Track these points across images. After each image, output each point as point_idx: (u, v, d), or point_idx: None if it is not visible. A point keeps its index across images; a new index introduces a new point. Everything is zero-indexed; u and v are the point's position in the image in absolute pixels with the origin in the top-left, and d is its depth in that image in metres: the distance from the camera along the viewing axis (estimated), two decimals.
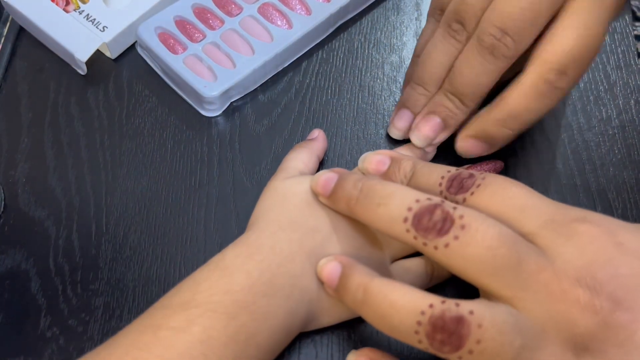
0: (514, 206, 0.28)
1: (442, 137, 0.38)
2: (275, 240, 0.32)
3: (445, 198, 0.30)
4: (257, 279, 0.31)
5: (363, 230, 0.34)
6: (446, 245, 0.27)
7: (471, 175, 0.30)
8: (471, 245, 0.26)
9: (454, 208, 0.27)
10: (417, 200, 0.28)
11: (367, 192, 0.30)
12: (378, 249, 0.34)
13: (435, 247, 0.27)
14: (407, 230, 0.28)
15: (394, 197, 0.29)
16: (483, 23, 0.33)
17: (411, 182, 0.32)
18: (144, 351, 0.28)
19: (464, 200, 0.29)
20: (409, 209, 0.28)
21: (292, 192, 0.35)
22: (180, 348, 0.28)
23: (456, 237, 0.26)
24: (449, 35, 0.35)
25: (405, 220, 0.28)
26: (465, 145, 0.36)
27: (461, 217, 0.27)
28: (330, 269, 0.31)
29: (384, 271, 0.34)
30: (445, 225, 0.27)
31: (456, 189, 0.29)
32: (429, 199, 0.28)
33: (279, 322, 0.31)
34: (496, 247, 0.26)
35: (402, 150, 0.39)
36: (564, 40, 0.31)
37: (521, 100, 0.33)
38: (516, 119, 0.33)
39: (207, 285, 0.30)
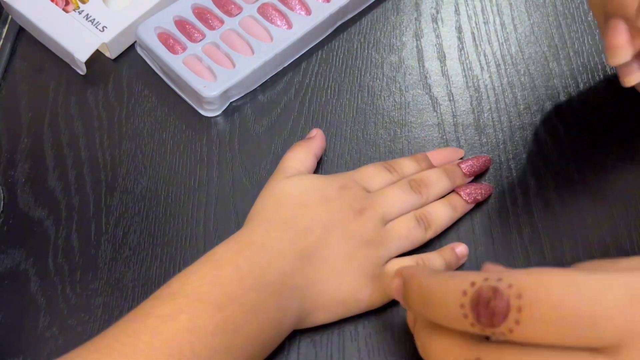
0: (579, 324, 0.22)
1: None
2: (266, 238, 0.33)
3: (482, 331, 0.25)
4: (246, 273, 0.31)
5: (356, 232, 0.34)
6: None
7: (495, 293, 0.24)
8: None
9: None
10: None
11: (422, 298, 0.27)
12: (373, 249, 0.34)
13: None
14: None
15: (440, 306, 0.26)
16: None
17: (428, 310, 0.27)
18: (133, 337, 0.29)
19: (511, 331, 0.23)
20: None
21: (287, 193, 0.35)
22: (167, 335, 0.29)
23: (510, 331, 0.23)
24: None
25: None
26: None
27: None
28: (395, 286, 0.29)
29: (378, 270, 0.34)
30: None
31: (488, 319, 0.24)
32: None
33: (269, 317, 0.31)
34: None
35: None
36: None
37: None
38: None
39: (196, 277, 0.31)
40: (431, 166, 0.39)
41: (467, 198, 0.38)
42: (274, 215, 0.34)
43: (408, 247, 0.36)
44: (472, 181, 0.40)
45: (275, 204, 0.35)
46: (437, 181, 0.37)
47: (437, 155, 0.40)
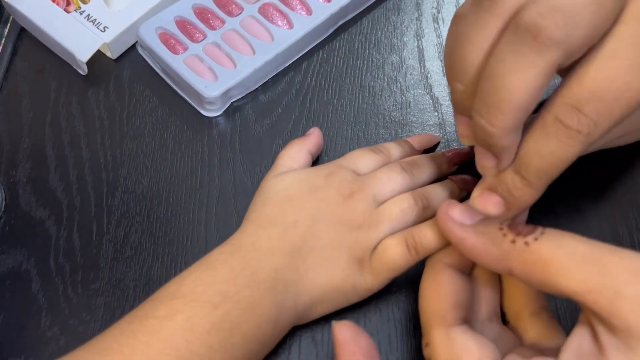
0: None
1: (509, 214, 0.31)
2: (255, 238, 0.34)
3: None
4: (239, 272, 0.32)
5: (345, 216, 0.34)
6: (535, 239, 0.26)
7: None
8: None
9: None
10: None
11: None
12: (364, 232, 0.34)
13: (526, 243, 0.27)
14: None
15: None
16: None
17: None
18: (131, 338, 0.29)
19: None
20: None
21: (274, 190, 0.36)
22: (164, 335, 0.29)
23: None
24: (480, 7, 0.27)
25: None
26: (480, 201, 0.31)
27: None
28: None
29: (368, 255, 0.34)
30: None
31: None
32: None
33: (265, 313, 0.31)
34: None
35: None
36: (588, 68, 0.25)
37: (529, 141, 0.28)
38: (528, 167, 0.28)
39: (192, 278, 0.32)
40: (414, 150, 0.40)
41: (461, 185, 0.38)
42: (262, 214, 0.35)
43: (401, 227, 0.35)
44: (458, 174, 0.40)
45: (263, 202, 0.36)
46: (428, 165, 0.37)
47: (416, 139, 0.41)
